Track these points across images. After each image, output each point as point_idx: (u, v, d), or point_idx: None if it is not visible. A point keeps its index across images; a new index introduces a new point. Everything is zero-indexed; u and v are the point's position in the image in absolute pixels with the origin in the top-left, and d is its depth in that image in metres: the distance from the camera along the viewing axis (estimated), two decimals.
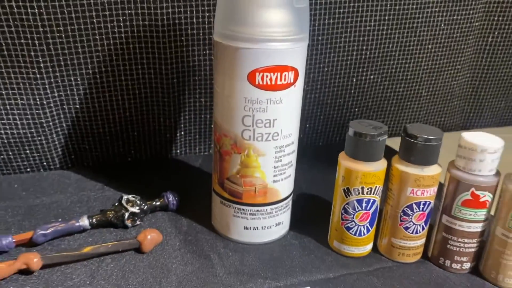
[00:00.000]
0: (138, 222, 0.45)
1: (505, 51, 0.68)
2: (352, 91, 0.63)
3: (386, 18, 0.58)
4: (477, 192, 0.38)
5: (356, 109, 0.65)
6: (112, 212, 0.44)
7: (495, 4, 0.64)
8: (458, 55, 0.65)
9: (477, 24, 0.64)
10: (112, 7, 0.49)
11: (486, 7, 0.63)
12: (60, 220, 0.44)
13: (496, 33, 0.66)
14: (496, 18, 0.65)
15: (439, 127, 0.72)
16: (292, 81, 0.38)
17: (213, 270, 0.39)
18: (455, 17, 0.61)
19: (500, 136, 0.39)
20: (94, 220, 0.44)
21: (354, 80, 0.62)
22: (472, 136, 0.38)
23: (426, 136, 0.38)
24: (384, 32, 0.59)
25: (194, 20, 0.52)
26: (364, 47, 0.60)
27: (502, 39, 0.67)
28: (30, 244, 0.41)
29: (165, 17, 0.51)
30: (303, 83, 0.40)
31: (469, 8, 0.61)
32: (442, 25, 0.61)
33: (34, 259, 0.38)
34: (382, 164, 0.40)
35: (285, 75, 0.37)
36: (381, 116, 0.67)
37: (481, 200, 0.38)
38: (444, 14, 0.60)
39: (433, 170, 0.39)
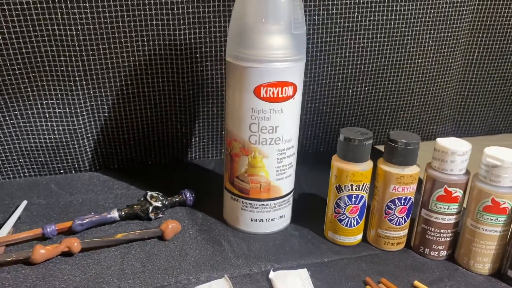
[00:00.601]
0: (160, 215, 0.52)
1: (490, 65, 0.74)
2: (349, 101, 0.69)
3: (378, 35, 0.65)
4: (449, 189, 0.44)
5: (353, 118, 0.71)
6: (138, 206, 0.51)
7: (479, 23, 0.70)
8: (447, 69, 0.72)
9: (463, 40, 0.70)
10: (138, 29, 0.56)
11: (471, 26, 0.70)
12: (93, 213, 0.51)
13: (481, 48, 0.72)
14: (481, 35, 0.71)
15: (432, 135, 0.78)
16: (291, 94, 0.45)
17: (224, 254, 0.46)
18: (442, 35, 0.68)
19: (489, 144, 0.45)
20: (123, 212, 0.51)
21: (350, 92, 0.69)
22: (445, 141, 0.45)
23: (405, 141, 0.44)
24: (377, 48, 0.66)
25: (207, 40, 0.60)
26: (359, 62, 0.66)
27: (487, 54, 0.73)
28: (69, 232, 0.49)
29: (182, 37, 0.58)
30: (301, 95, 0.47)
31: (455, 27, 0.68)
32: (430, 41, 0.68)
33: (74, 243, 0.45)
34: (368, 164, 0.46)
35: (285, 89, 0.44)
36: (377, 125, 0.73)
37: (453, 195, 0.45)
38: (432, 32, 0.67)
39: (412, 170, 0.45)
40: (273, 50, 0.43)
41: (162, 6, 0.56)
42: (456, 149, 0.43)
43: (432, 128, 0.77)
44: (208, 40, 0.60)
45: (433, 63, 0.70)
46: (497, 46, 0.73)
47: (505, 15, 0.70)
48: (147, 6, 0.55)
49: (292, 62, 0.44)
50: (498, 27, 0.71)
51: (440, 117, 0.77)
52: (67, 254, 0.45)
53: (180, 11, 0.57)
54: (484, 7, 0.69)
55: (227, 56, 0.46)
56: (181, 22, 0.57)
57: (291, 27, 0.43)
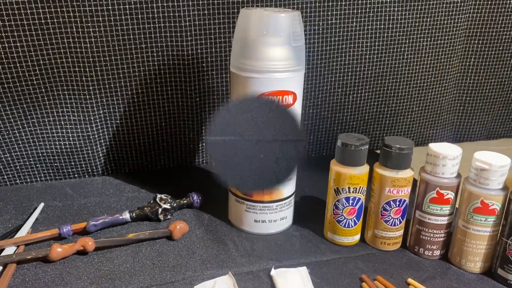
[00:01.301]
0: (169, 216, 0.55)
1: (487, 70, 0.76)
2: (349, 107, 0.72)
3: (376, 43, 0.68)
4: (441, 191, 0.47)
5: (354, 123, 0.74)
6: (148, 208, 0.55)
7: (474, 31, 0.73)
8: (444, 75, 0.74)
9: (459, 47, 0.73)
10: (147, 40, 0.60)
11: (467, 33, 0.72)
12: (105, 214, 0.55)
13: (477, 54, 0.75)
14: (476, 42, 0.74)
15: (431, 140, 0.80)
16: (291, 102, 0.48)
17: (229, 253, 0.49)
18: (438, 42, 0.70)
19: (488, 149, 0.47)
20: (134, 214, 0.54)
21: (351, 97, 0.71)
22: (436, 146, 0.47)
23: (399, 146, 0.47)
24: (375, 56, 0.69)
25: (213, 50, 0.63)
26: (358, 69, 0.69)
27: (483, 60, 0.75)
28: (84, 233, 0.52)
29: (189, 48, 0.61)
30: (301, 103, 0.50)
31: (451, 34, 0.70)
32: (427, 48, 0.70)
33: (89, 242, 0.48)
34: (365, 168, 0.49)
35: (285, 98, 0.47)
36: (377, 129, 0.76)
37: (445, 197, 0.47)
38: (428, 39, 0.70)
39: (406, 173, 0.48)
40: (274, 61, 0.46)
41: (170, 19, 0.59)
42: (447, 154, 0.46)
43: (432, 133, 0.80)
44: (213, 50, 0.63)
45: (430, 69, 0.73)
46: (492, 52, 0.75)
47: (500, 22, 0.72)
48: (156, 20, 0.58)
49: (291, 72, 0.47)
50: (493, 33, 0.73)
51: (439, 122, 0.79)
52: (82, 252, 0.48)
53: (187, 23, 0.60)
54: (479, 15, 0.71)
55: (231, 67, 0.49)
56: (188, 34, 0.60)
57: (290, 39, 0.46)
